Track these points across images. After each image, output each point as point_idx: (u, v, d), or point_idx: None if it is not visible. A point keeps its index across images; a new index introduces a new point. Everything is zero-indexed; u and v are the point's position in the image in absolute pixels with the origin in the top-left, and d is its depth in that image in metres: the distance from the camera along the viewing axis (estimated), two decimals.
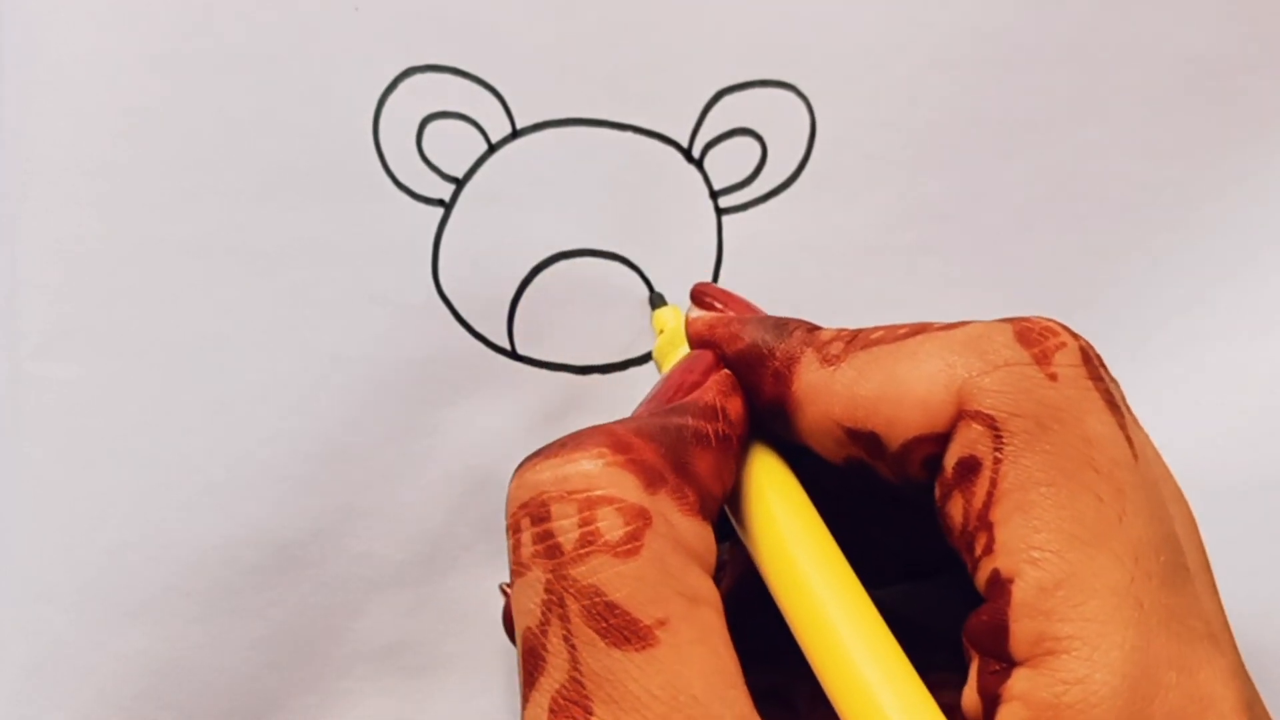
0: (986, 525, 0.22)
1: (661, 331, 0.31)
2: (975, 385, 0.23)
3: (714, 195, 0.33)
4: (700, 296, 0.28)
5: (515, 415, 0.32)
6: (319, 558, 0.31)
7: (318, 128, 0.31)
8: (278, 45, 0.31)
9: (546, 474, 0.22)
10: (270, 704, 0.32)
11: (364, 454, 0.31)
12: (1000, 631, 0.22)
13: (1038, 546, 0.22)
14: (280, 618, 0.31)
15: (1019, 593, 0.21)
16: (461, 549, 0.32)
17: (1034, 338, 0.23)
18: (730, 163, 0.33)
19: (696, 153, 0.33)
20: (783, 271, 0.33)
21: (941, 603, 0.25)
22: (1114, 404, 0.23)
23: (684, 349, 0.28)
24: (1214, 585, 0.24)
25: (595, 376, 0.32)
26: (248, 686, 0.32)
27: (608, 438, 0.23)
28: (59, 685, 0.31)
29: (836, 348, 0.24)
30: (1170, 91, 0.33)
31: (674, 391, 0.25)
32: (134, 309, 0.31)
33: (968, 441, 0.23)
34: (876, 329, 0.25)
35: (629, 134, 0.32)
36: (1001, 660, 0.22)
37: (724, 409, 0.25)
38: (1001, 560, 0.22)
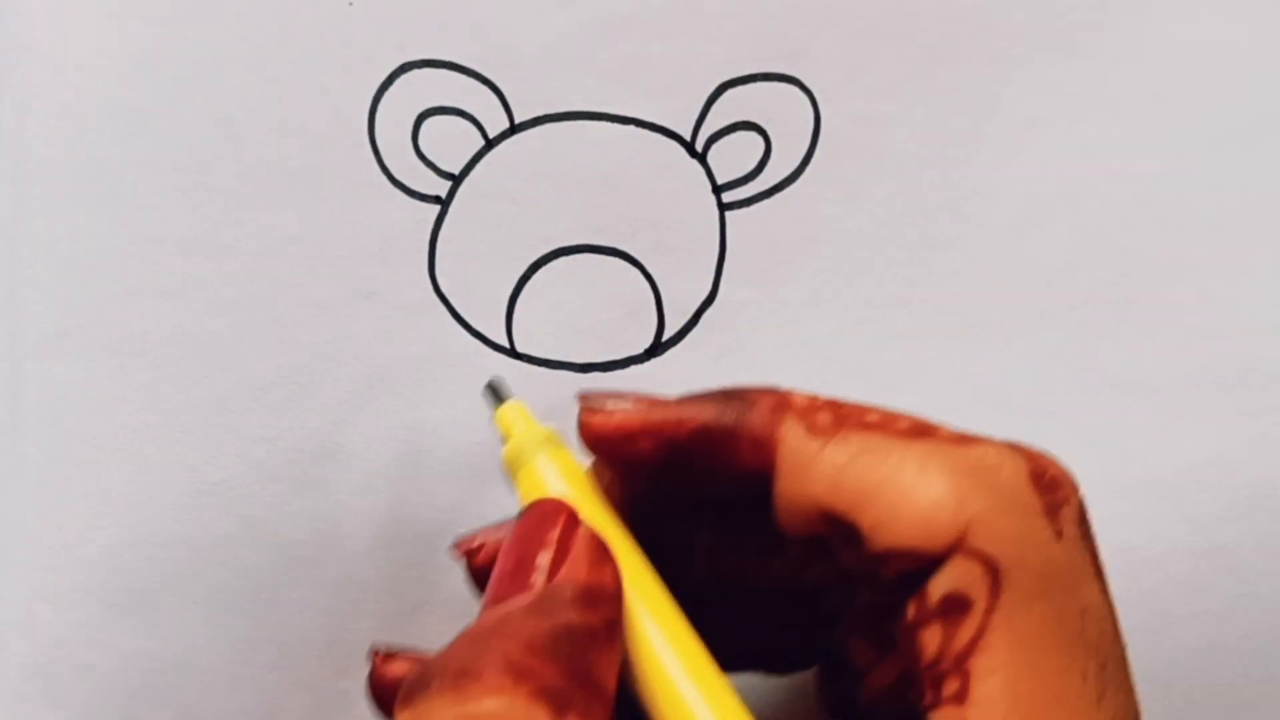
0: (963, 672, 0.21)
1: (509, 437, 0.26)
2: (984, 523, 0.22)
3: (717, 190, 0.32)
4: (594, 402, 0.25)
5: None
6: (318, 558, 0.31)
7: (314, 125, 0.31)
8: (273, 43, 0.31)
9: (446, 714, 0.20)
10: (270, 704, 0.32)
11: (362, 453, 0.31)
12: None
13: (1017, 715, 0.21)
14: (279, 618, 0.31)
15: None
16: None
17: (1047, 485, 0.22)
18: (733, 157, 0.32)
19: (699, 147, 0.32)
20: (786, 267, 0.32)
21: (796, 700, 0.25)
22: (1100, 570, 0.22)
23: (545, 457, 0.25)
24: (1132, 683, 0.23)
25: (595, 374, 0.32)
26: (247, 686, 0.32)
27: (505, 665, 0.21)
28: (58, 685, 0.31)
29: (824, 419, 0.23)
30: (1170, 91, 0.32)
31: (531, 563, 0.23)
32: (133, 308, 0.31)
33: (963, 578, 0.22)
34: (870, 410, 0.23)
35: (630, 128, 0.32)
36: None
37: (602, 586, 0.23)
38: (972, 714, 0.21)
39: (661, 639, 0.23)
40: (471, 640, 0.22)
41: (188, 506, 0.31)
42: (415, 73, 0.31)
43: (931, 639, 0.22)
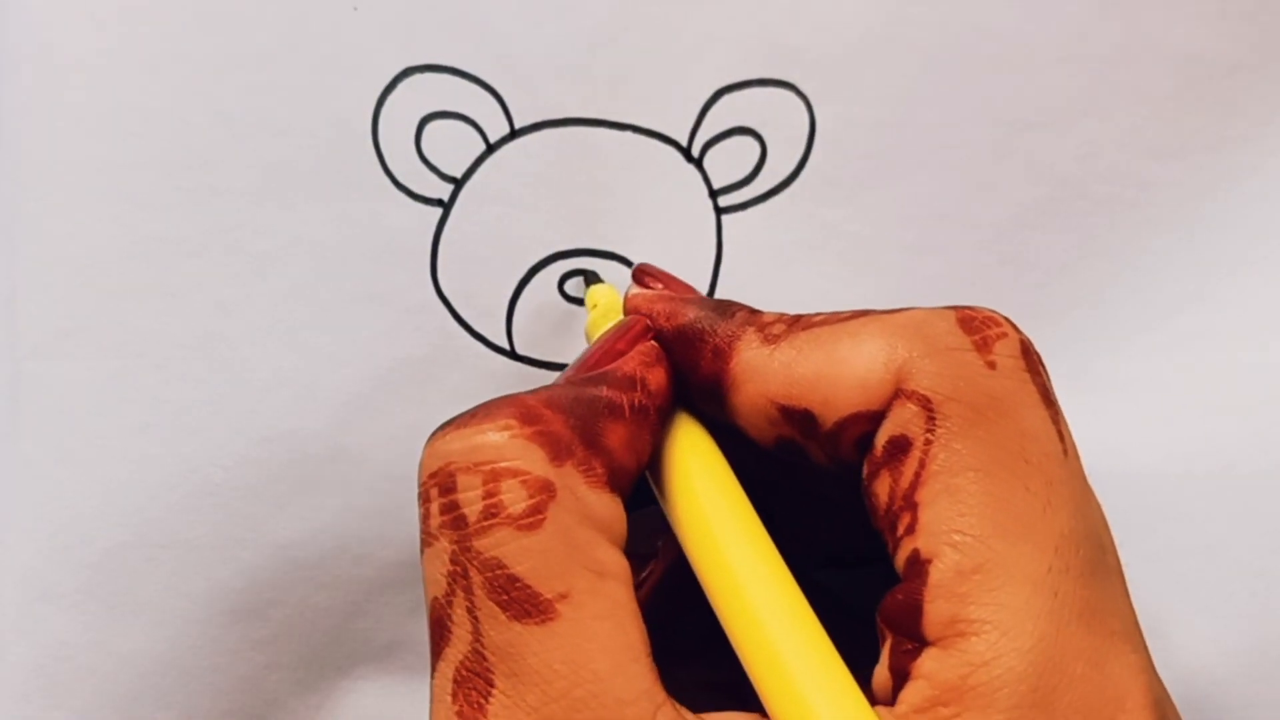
0: (911, 505, 0.22)
1: (595, 306, 0.30)
2: (914, 366, 0.23)
3: (713, 194, 0.33)
4: (641, 276, 0.28)
5: None
6: (318, 558, 0.31)
7: (317, 127, 0.31)
8: (277, 45, 0.31)
9: (456, 444, 0.22)
10: (270, 704, 0.32)
11: (363, 454, 0.31)
12: (914, 611, 0.22)
13: (960, 530, 0.22)
14: (280, 618, 0.31)
15: (936, 574, 0.22)
16: None
17: (976, 325, 0.23)
18: (730, 162, 0.33)
19: (696, 152, 0.32)
20: (782, 271, 0.33)
21: (873, 590, 0.25)
22: (1049, 399, 0.23)
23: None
24: (1125, 586, 0.24)
25: None
26: (247, 687, 0.32)
27: (517, 409, 0.22)
28: (59, 685, 0.31)
29: (778, 328, 0.25)
30: (1170, 91, 0.33)
31: (598, 359, 0.25)
32: (133, 309, 0.31)
33: (901, 421, 0.23)
34: (819, 313, 0.25)
35: (628, 133, 0.32)
36: (914, 640, 0.22)
37: (643, 379, 0.24)
38: (922, 541, 0.22)
39: (719, 513, 0.24)
40: (504, 397, 0.23)
41: (188, 506, 0.31)
42: (418, 77, 0.31)
43: (883, 487, 0.23)
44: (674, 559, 0.28)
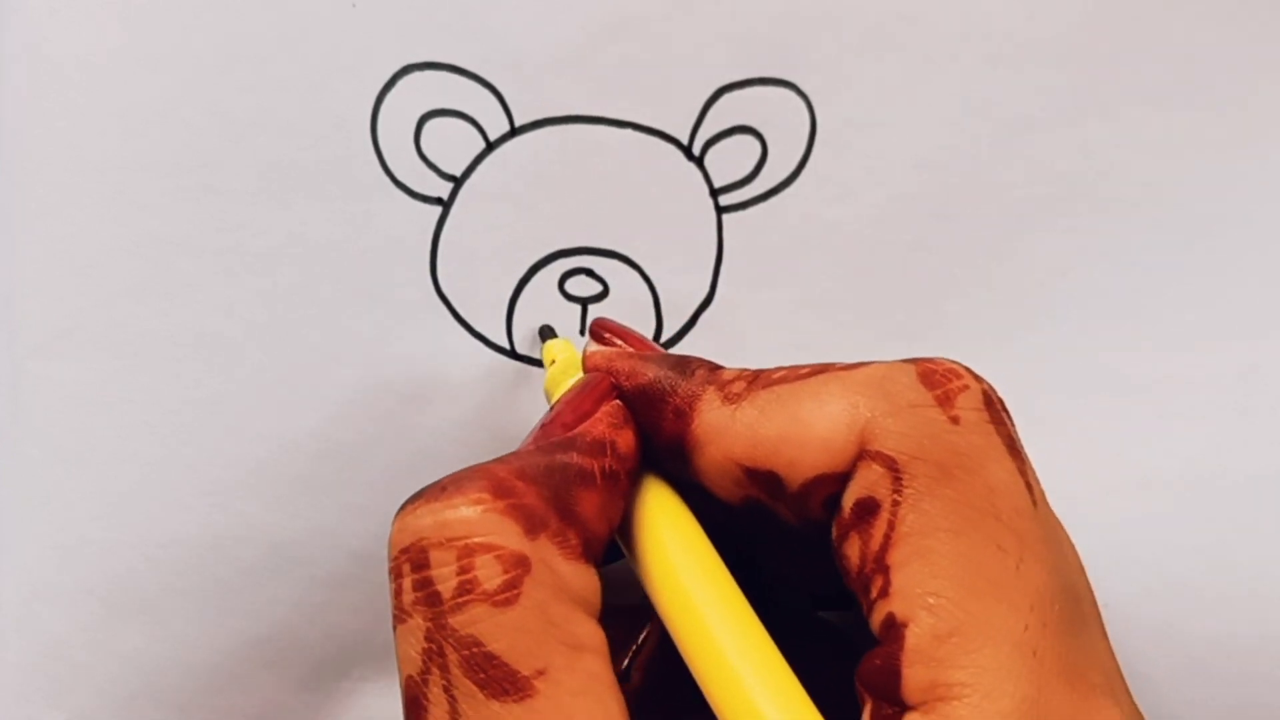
0: (883, 568, 0.22)
1: (553, 362, 0.30)
2: (878, 426, 0.23)
3: (714, 193, 0.33)
4: (599, 332, 0.28)
5: (514, 414, 0.32)
6: (317, 557, 0.31)
7: (315, 126, 0.31)
8: (275, 43, 0.31)
9: (427, 519, 0.22)
10: (269, 704, 0.32)
11: (362, 453, 0.31)
12: (893, 676, 0.21)
13: (934, 593, 0.21)
14: (279, 617, 0.31)
15: (913, 638, 0.21)
16: None
17: (937, 379, 0.23)
18: (731, 160, 0.32)
19: (697, 150, 0.32)
20: (783, 269, 0.32)
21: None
22: (1015, 449, 0.23)
23: (578, 380, 0.27)
24: (1104, 632, 0.23)
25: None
26: (246, 685, 0.32)
27: (489, 481, 0.22)
28: (58, 685, 0.31)
29: (738, 387, 0.24)
30: (1170, 91, 0.32)
31: (565, 420, 0.25)
32: (133, 308, 0.31)
33: (867, 483, 0.22)
34: (779, 369, 0.25)
35: (628, 131, 0.32)
36: (894, 704, 0.21)
37: (613, 443, 0.24)
38: (897, 604, 0.22)
39: (691, 575, 0.24)
40: (472, 467, 0.23)
41: (188, 506, 0.31)
42: (417, 74, 0.31)
43: (853, 549, 0.23)
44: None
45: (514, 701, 0.21)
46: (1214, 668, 0.31)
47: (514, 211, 0.32)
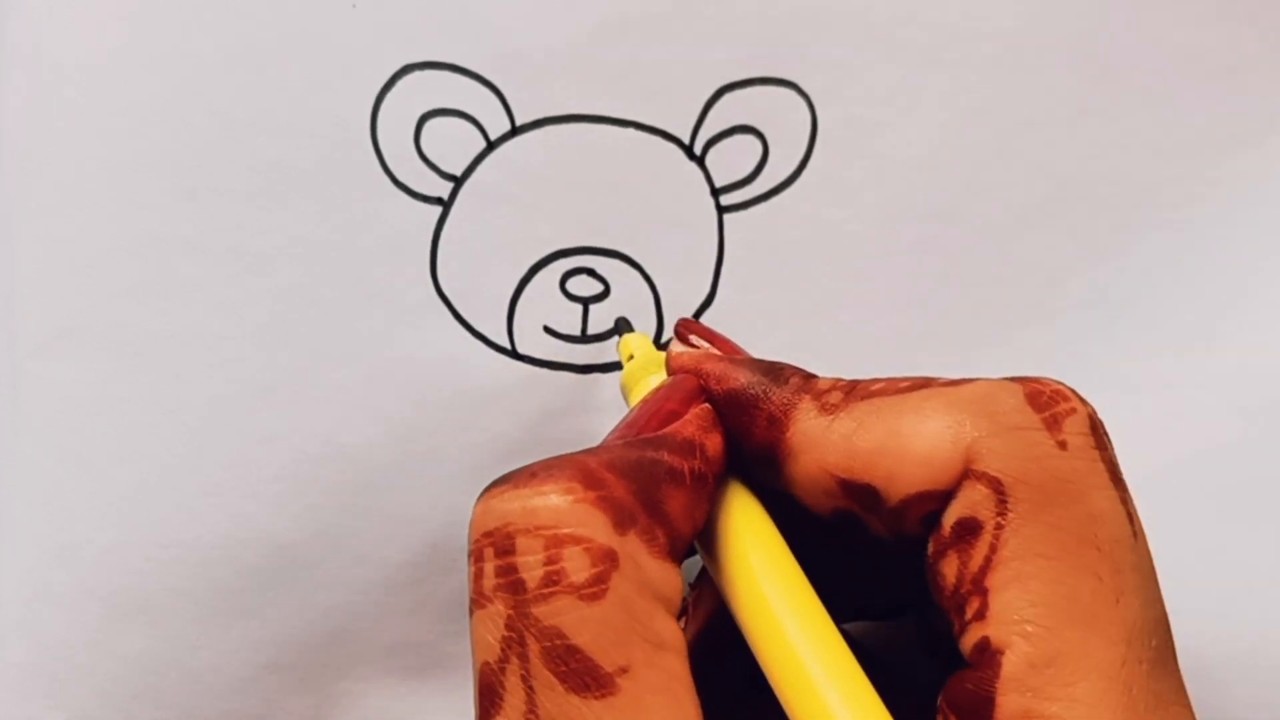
0: (981, 590, 0.22)
1: (631, 358, 0.30)
2: (983, 446, 0.22)
3: (715, 193, 0.33)
4: (684, 333, 0.28)
5: (515, 415, 0.32)
6: (318, 558, 0.31)
7: (316, 126, 0.31)
8: (276, 43, 0.31)
9: (515, 504, 0.21)
10: (270, 704, 0.32)
11: (363, 454, 0.31)
12: (985, 703, 0.21)
13: (1032, 620, 0.21)
14: (279, 618, 0.31)
15: (1009, 666, 0.21)
16: (461, 549, 0.31)
17: (1044, 402, 0.23)
18: (732, 160, 0.32)
19: (698, 150, 0.32)
20: (783, 269, 0.32)
21: (898, 642, 0.25)
22: (1118, 477, 0.23)
23: (658, 377, 0.28)
24: (1179, 669, 0.23)
25: (596, 375, 0.32)
26: (247, 687, 0.32)
27: (579, 471, 0.22)
28: (58, 685, 0.31)
29: (835, 397, 0.24)
30: (1170, 91, 0.32)
31: (652, 419, 0.24)
32: (133, 308, 0.31)
33: (971, 503, 0.22)
34: (877, 380, 0.24)
35: (630, 131, 0.32)
36: None
37: (702, 445, 0.24)
38: (993, 629, 0.21)
39: (774, 584, 0.23)
40: (562, 456, 0.22)
41: (188, 506, 0.31)
42: (417, 74, 0.31)
43: (950, 568, 0.22)
44: (709, 617, 0.27)
45: (595, 698, 0.21)
46: (1214, 667, 0.31)
47: (514, 211, 0.32)
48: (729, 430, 0.25)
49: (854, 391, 0.24)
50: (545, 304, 0.32)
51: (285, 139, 0.31)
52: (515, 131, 0.32)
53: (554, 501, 0.21)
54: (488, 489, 0.22)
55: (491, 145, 0.32)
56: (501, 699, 0.21)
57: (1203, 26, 0.32)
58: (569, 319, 0.32)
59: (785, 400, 0.24)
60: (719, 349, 0.27)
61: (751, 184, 0.33)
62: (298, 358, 0.31)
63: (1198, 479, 0.32)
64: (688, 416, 0.25)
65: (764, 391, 0.25)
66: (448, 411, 0.32)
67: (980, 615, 0.22)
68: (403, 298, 0.31)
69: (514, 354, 0.32)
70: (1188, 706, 0.22)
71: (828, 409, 0.24)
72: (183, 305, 0.31)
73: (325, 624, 0.32)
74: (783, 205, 0.32)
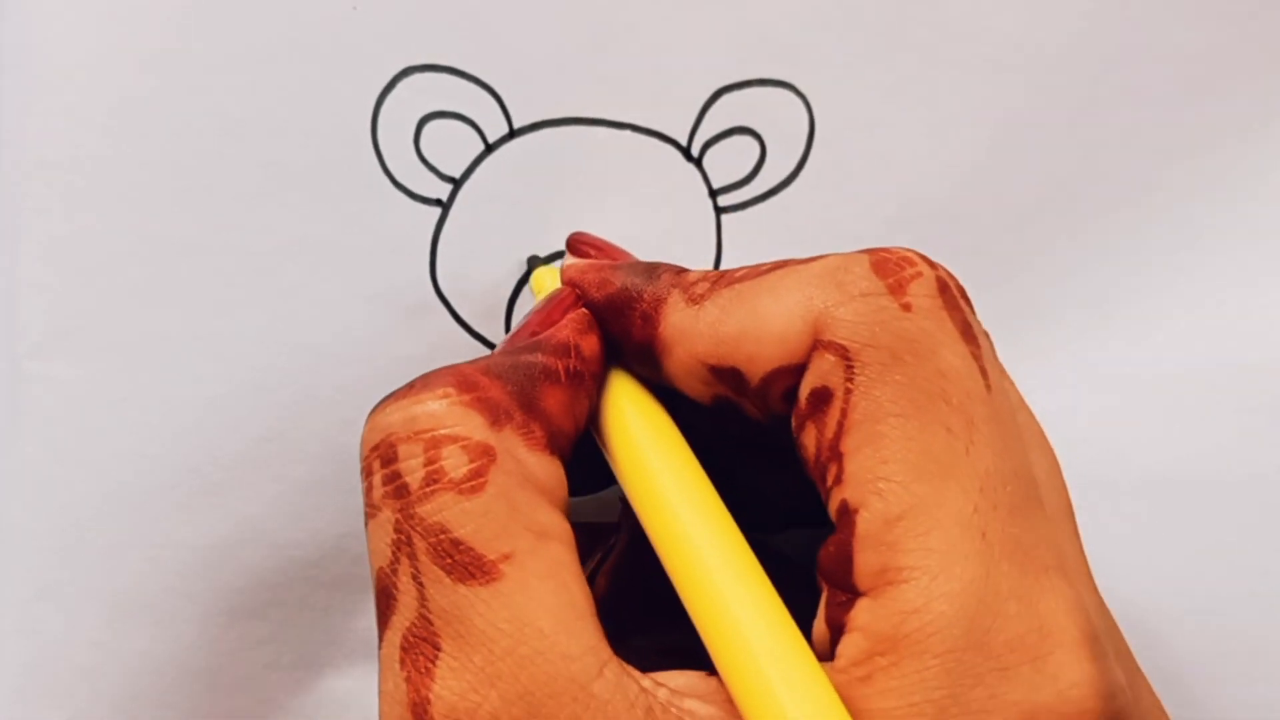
0: (837, 455, 0.22)
1: (541, 291, 0.30)
2: (830, 316, 0.23)
3: (713, 194, 0.33)
4: (576, 245, 0.29)
5: None
6: (318, 558, 0.31)
7: (315, 127, 0.31)
8: (275, 44, 0.31)
9: (396, 415, 0.22)
10: (270, 704, 0.32)
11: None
12: (846, 562, 0.22)
13: (884, 478, 0.22)
14: (279, 618, 0.31)
15: (863, 524, 0.21)
16: None
17: (890, 268, 0.23)
18: (729, 161, 0.33)
19: (695, 151, 0.32)
20: None
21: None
22: (969, 334, 0.23)
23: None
24: (1075, 530, 0.23)
25: None
26: (247, 687, 0.32)
27: (454, 377, 0.23)
28: (58, 685, 0.31)
29: (702, 288, 0.25)
30: (1169, 91, 0.33)
31: (532, 329, 0.25)
32: (133, 308, 0.31)
33: (821, 372, 0.23)
34: (742, 268, 0.25)
35: (627, 133, 0.32)
36: (848, 591, 0.22)
37: (577, 345, 0.25)
38: (849, 491, 0.22)
39: (663, 465, 0.24)
40: (440, 368, 0.23)
41: (188, 506, 0.31)
42: (417, 76, 0.31)
43: (810, 439, 0.23)
44: (635, 532, 0.28)
45: (480, 584, 0.21)
46: (1213, 667, 0.31)
47: (513, 212, 0.32)
48: (614, 335, 0.26)
49: (720, 280, 0.25)
50: None
51: (285, 139, 0.31)
52: (514, 134, 0.32)
53: (431, 407, 0.22)
54: (374, 407, 0.23)
55: (490, 147, 0.32)
56: (395, 599, 0.22)
57: (1202, 26, 0.33)
58: None
59: (656, 296, 0.25)
60: (607, 256, 0.28)
61: (749, 185, 0.33)
62: (297, 358, 0.31)
63: (1198, 479, 0.32)
64: (563, 321, 0.25)
65: (637, 291, 0.25)
66: None
67: (839, 480, 0.22)
68: (402, 298, 0.31)
69: None
70: (1057, 550, 0.22)
71: (695, 299, 0.24)
72: (181, 305, 0.31)
73: (325, 624, 0.32)
74: (780, 206, 0.33)
